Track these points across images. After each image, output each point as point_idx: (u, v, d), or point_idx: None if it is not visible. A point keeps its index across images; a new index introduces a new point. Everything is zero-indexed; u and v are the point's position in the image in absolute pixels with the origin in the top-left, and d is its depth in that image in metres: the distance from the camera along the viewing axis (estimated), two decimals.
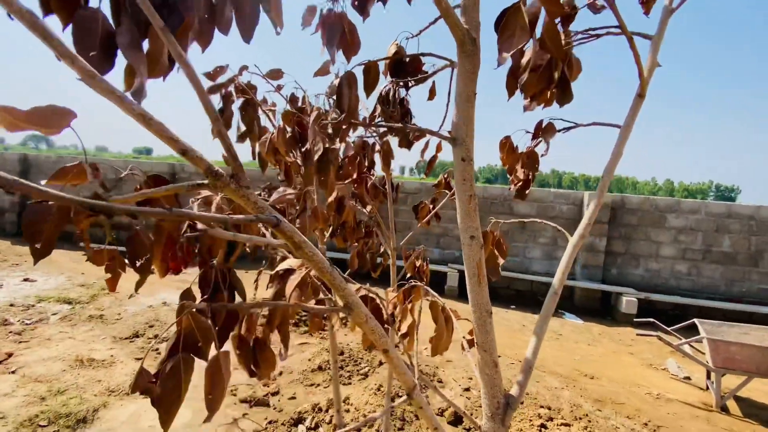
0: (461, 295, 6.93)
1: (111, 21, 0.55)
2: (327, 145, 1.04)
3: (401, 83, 1.02)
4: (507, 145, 1.07)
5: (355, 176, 1.20)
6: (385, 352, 0.67)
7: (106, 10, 0.57)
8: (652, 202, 6.75)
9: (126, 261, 0.60)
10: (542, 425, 2.93)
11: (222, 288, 0.64)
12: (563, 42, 0.93)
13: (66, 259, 7.71)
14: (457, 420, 3.07)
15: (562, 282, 1.02)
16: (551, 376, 4.05)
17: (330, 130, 1.01)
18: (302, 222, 1.10)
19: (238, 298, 0.71)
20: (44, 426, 2.58)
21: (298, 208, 1.15)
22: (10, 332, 4.08)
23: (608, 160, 0.95)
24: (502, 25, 0.64)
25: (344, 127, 0.94)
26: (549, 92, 0.85)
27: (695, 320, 4.16)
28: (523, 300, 7.14)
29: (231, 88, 1.32)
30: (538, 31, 0.68)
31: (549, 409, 3.28)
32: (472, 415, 3.14)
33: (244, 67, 1.50)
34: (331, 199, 1.17)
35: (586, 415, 3.31)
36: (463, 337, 1.15)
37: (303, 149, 1.04)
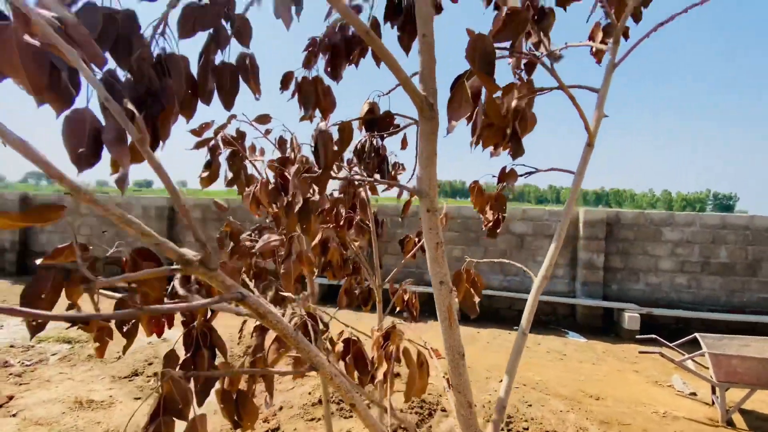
0: (463, 318, 6.89)
1: (100, 115, 0.63)
2: (308, 196, 1.11)
3: (375, 136, 1.10)
4: (476, 189, 1.14)
5: (334, 224, 1.27)
6: (353, 406, 0.71)
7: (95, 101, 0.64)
8: (646, 216, 6.80)
9: (113, 328, 0.66)
10: None
11: (202, 346, 0.69)
12: (525, 93, 1.02)
13: (64, 299, 7.71)
14: None
15: (529, 322, 1.05)
16: (556, 399, 4.01)
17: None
18: (286, 267, 1.15)
19: (219, 356, 0.76)
20: None
21: (283, 252, 1.21)
22: (11, 374, 4.07)
23: (566, 203, 1.01)
24: (450, 97, 0.72)
25: (321, 180, 1.01)
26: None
27: (696, 335, 4.14)
28: None
29: (219, 140, 1.40)
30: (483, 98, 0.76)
31: None
32: None
33: (233, 116, 1.59)
34: (315, 242, 1.23)
35: None
36: (444, 377, 1.18)
37: (285, 201, 1.11)
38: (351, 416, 3.41)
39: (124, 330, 0.66)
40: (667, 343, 4.33)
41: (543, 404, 3.87)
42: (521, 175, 1.10)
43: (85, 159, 0.55)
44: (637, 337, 4.73)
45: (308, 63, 1.14)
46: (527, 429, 3.34)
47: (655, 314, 6.21)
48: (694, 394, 4.27)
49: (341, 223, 1.27)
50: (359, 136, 1.18)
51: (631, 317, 6.02)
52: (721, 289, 6.57)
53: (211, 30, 0.85)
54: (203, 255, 0.50)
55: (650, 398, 4.17)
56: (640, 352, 4.09)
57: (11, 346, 4.86)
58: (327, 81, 1.13)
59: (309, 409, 3.51)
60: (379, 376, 0.80)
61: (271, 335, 0.80)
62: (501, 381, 4.16)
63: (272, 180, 1.23)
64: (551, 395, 4.10)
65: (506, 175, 1.10)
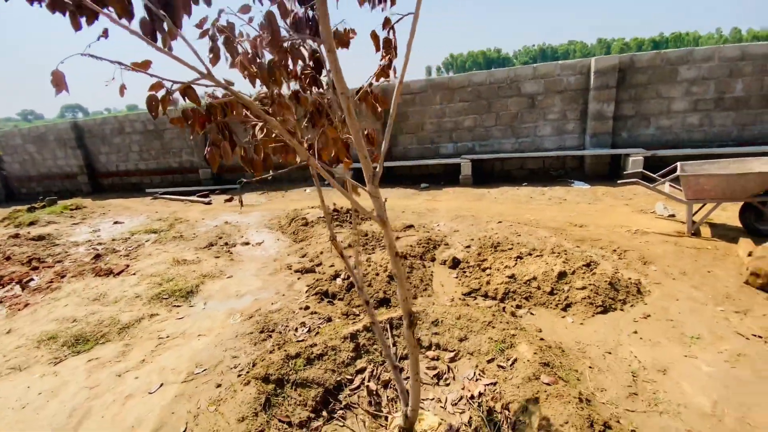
0: (475, 182, 7.57)
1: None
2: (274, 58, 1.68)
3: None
4: (374, 36, 1.62)
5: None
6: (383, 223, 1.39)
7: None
8: (663, 56, 6.58)
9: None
10: (519, 257, 3.75)
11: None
12: None
13: (139, 204, 9.17)
14: (455, 264, 3.98)
15: None
16: (544, 230, 4.79)
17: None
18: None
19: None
20: (167, 298, 3.81)
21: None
22: (121, 255, 5.43)
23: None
24: None
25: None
26: None
27: (678, 163, 4.57)
28: (536, 177, 7.66)
29: (215, 29, 1.95)
30: None
31: (533, 249, 4.07)
32: (464, 260, 4.02)
33: (221, 11, 2.09)
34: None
35: (565, 251, 4.07)
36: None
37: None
38: (373, 252, 4.42)
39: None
40: (651, 174, 4.81)
41: (531, 234, 4.68)
42: (395, 22, 1.55)
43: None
44: (624, 173, 5.21)
45: None
46: (511, 248, 4.19)
47: (660, 155, 6.51)
48: (672, 215, 4.88)
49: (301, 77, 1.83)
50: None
51: (634, 161, 6.39)
52: (733, 125, 6.61)
53: None
54: None
55: (630, 222, 4.85)
56: (619, 183, 4.63)
57: (113, 240, 6.25)
58: None
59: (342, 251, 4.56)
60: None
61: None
62: (499, 222, 4.95)
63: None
64: (540, 227, 4.89)
65: (384, 23, 1.56)
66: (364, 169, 1.48)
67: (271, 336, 3.00)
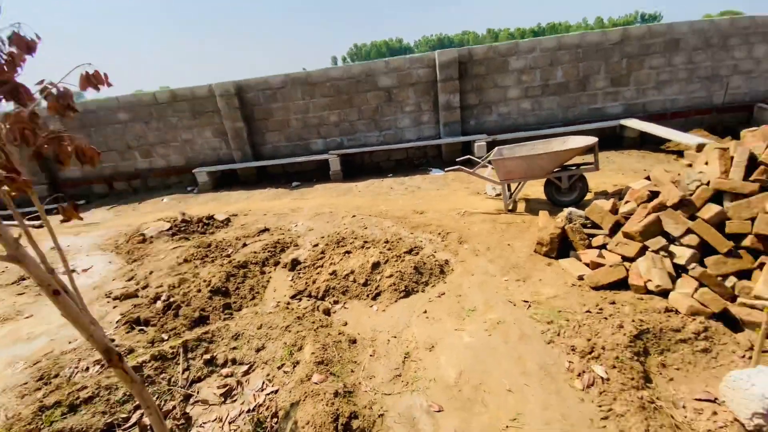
0: (346, 177, 7.64)
1: None
2: None
3: None
4: None
5: None
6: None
7: None
8: (495, 49, 7.24)
9: None
10: (347, 252, 3.84)
11: None
12: None
13: None
14: (293, 266, 3.95)
15: None
16: (389, 220, 4.99)
17: None
18: None
19: None
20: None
21: None
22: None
23: None
24: None
25: None
26: None
27: (496, 147, 5.07)
28: (401, 167, 7.99)
29: None
30: None
31: (367, 241, 4.20)
32: (304, 261, 4.01)
33: None
34: None
35: (400, 239, 4.27)
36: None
37: None
38: (212, 264, 4.19)
39: None
40: (477, 159, 5.28)
41: (377, 225, 4.85)
42: None
43: None
44: (456, 160, 5.65)
45: None
46: (353, 242, 4.28)
47: (500, 139, 7.22)
48: (499, 195, 5.42)
49: None
50: None
51: (479, 146, 6.98)
52: (558, 107, 7.57)
53: None
54: None
55: (465, 204, 5.28)
56: (447, 170, 5.02)
57: None
58: None
59: (176, 268, 4.24)
60: None
61: None
62: (353, 216, 5.02)
63: None
64: (388, 218, 5.09)
65: None
66: None
67: (50, 383, 2.65)
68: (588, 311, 2.67)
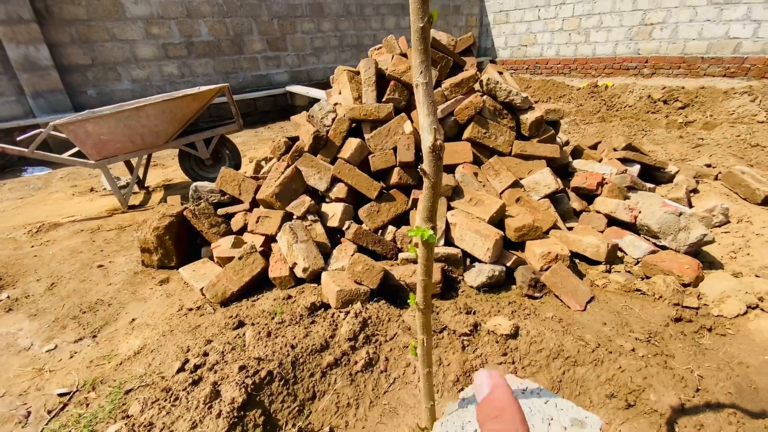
0: None
1: None
2: None
3: None
4: None
5: None
6: None
7: None
8: None
9: None
10: None
11: None
12: None
13: None
14: None
15: None
16: None
17: None
18: None
19: None
20: None
21: None
22: None
23: None
24: None
25: None
26: None
27: (50, 122, 2.99)
28: None
29: None
30: None
31: None
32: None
33: None
34: None
35: None
36: None
37: None
38: None
39: None
40: (58, 133, 3.14)
41: None
42: None
43: None
44: (18, 138, 3.35)
45: None
46: None
47: None
48: (123, 187, 3.52)
49: None
50: None
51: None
52: (216, 73, 6.21)
53: None
54: None
55: (56, 212, 3.11)
56: None
57: None
58: None
59: None
60: None
61: None
62: None
63: None
64: None
65: None
66: None
67: None
68: (182, 369, 1.33)
